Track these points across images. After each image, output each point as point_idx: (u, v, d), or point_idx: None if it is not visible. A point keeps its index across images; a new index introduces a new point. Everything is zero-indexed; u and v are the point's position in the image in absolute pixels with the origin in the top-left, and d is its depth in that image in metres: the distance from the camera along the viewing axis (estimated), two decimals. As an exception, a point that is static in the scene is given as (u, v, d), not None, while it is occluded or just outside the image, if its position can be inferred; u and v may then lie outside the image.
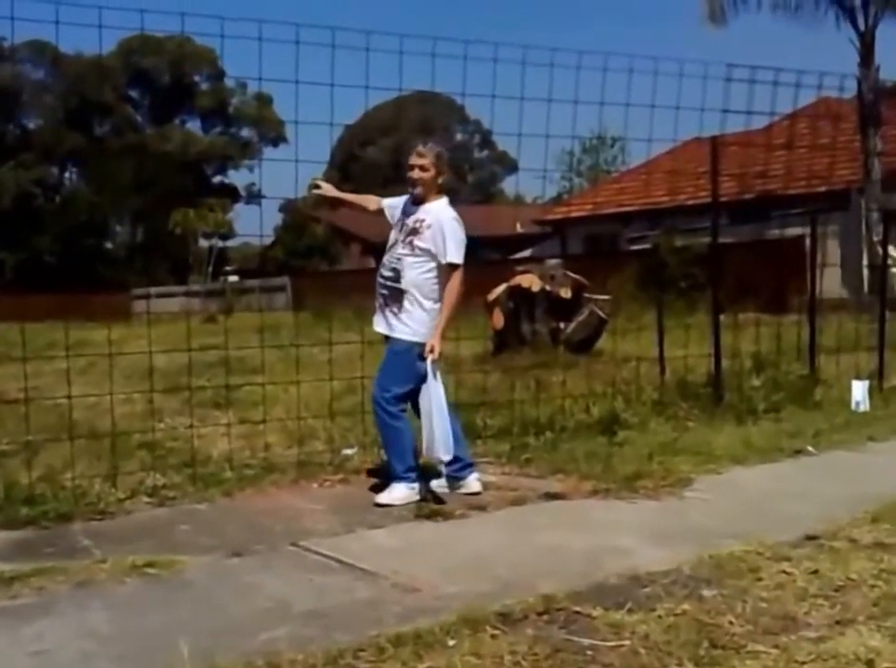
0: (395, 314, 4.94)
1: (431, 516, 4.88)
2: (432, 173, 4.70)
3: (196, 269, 40.31)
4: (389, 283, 4.90)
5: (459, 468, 5.16)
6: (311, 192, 5.16)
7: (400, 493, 5.11)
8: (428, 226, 4.75)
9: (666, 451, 6.06)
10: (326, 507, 5.28)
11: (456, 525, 4.81)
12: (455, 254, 4.70)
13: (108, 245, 47.65)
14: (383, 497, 5.15)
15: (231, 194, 51.14)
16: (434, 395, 4.84)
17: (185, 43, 46.80)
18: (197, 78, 55.02)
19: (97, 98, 49.84)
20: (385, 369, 5.01)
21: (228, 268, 44.06)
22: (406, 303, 4.87)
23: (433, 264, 4.76)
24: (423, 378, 4.72)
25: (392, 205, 5.12)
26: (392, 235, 4.91)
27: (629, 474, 5.50)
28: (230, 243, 46.97)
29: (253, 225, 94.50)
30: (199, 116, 55.20)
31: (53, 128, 47.78)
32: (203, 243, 42.83)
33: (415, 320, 4.88)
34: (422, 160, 4.70)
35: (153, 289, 34.56)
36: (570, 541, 4.41)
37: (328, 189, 5.36)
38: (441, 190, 4.74)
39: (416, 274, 4.79)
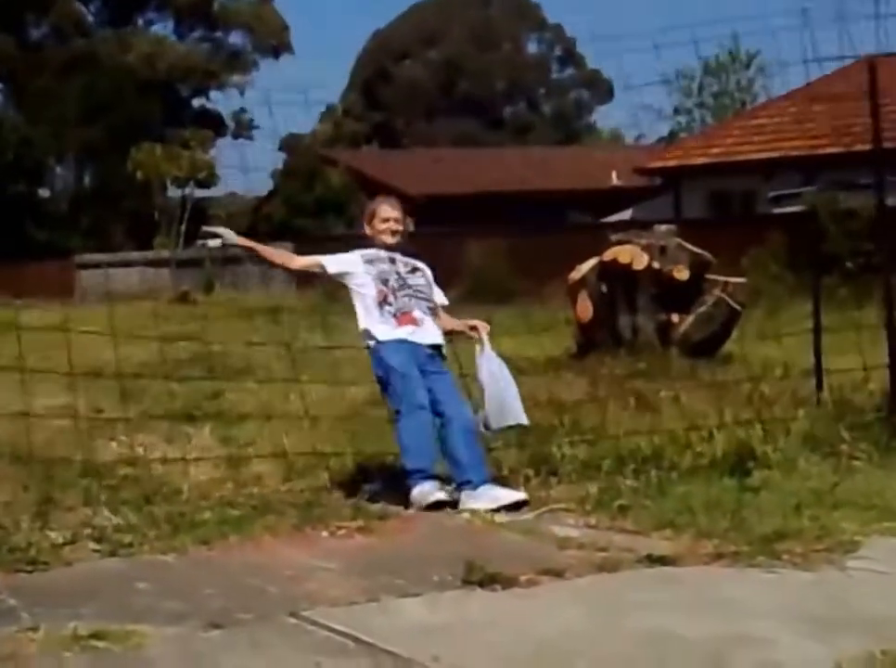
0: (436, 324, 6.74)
1: (486, 583, 4.89)
2: (402, 226, 6.73)
3: (164, 229, 40.69)
4: (423, 295, 6.67)
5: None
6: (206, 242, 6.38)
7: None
8: (423, 269, 6.79)
9: (822, 502, 6.00)
10: (339, 564, 5.31)
11: (521, 597, 4.80)
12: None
13: (45, 193, 48.25)
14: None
15: (213, 124, 51.57)
16: (496, 360, 6.48)
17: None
18: (170, -39, 55.47)
19: (33, -11, 50.41)
20: (455, 388, 6.62)
21: (208, 229, 44.31)
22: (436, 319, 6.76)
23: None
24: None
25: (348, 260, 6.73)
26: (386, 267, 6.64)
27: (768, 533, 5.45)
28: (211, 193, 47.31)
29: (243, 169, 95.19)
30: (173, 16, 55.75)
31: (-31, 30, 48.48)
32: (174, 193, 43.21)
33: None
34: (397, 213, 6.76)
35: (105, 257, 34.95)
36: (682, 625, 4.37)
37: (228, 236, 6.91)
38: None
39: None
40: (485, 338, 6.55)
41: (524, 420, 6.56)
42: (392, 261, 6.62)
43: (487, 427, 6.50)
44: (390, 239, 6.65)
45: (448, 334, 6.76)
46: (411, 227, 6.94)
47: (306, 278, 26.35)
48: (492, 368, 6.50)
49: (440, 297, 6.81)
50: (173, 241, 38.33)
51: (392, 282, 6.58)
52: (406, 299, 6.55)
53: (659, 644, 4.19)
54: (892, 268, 7.91)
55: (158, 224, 41.02)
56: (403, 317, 6.52)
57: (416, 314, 6.53)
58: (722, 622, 4.40)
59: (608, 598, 4.76)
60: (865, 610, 4.54)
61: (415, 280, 6.63)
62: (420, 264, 6.73)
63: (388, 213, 6.70)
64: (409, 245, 6.83)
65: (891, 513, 5.87)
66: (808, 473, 6.66)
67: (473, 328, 6.66)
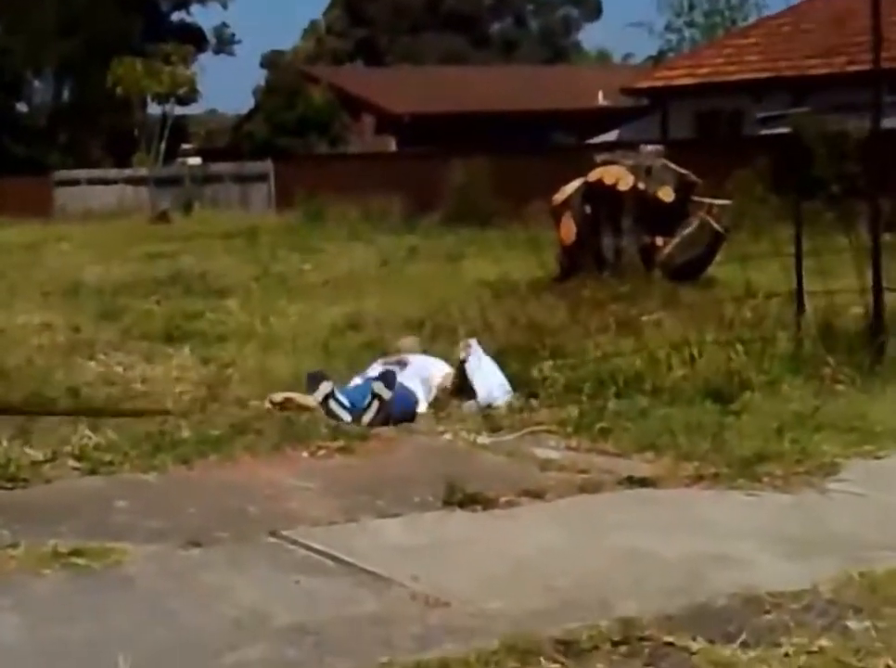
0: None
1: (466, 503, 4.93)
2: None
3: (143, 146, 40.31)
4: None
5: None
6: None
7: None
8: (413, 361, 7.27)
9: (803, 425, 6.04)
10: (319, 484, 5.34)
11: (501, 518, 4.85)
12: None
13: (23, 108, 47.76)
14: None
15: (194, 39, 50.86)
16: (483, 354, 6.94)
17: None
18: None
19: None
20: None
21: (187, 147, 43.94)
22: None
23: None
24: None
25: None
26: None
27: (749, 455, 5.50)
28: (191, 110, 46.80)
29: (225, 86, 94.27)
30: (152, -74, 54.59)
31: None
32: (154, 110, 42.75)
33: None
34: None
35: (83, 173, 34.72)
36: (661, 545, 4.43)
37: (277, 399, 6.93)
38: None
39: None
40: (473, 343, 7.03)
41: (510, 389, 6.93)
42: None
43: (483, 404, 6.74)
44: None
45: (460, 380, 7.03)
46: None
47: (287, 201, 26.31)
48: (482, 357, 6.95)
49: (441, 371, 7.19)
50: (152, 159, 37.97)
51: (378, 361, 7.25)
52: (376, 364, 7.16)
53: (637, 563, 4.25)
54: (879, 191, 7.90)
55: (137, 140, 40.58)
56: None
57: (371, 372, 6.98)
58: (700, 542, 4.46)
59: (588, 519, 4.81)
60: (844, 533, 4.60)
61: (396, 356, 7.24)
62: (411, 358, 7.24)
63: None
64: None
65: (872, 436, 5.92)
66: (790, 396, 6.69)
67: (464, 349, 7.05)
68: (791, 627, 3.60)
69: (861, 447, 5.76)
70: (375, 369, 7.08)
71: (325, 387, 6.52)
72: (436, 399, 7.02)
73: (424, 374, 7.07)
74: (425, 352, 7.49)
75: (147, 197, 31.38)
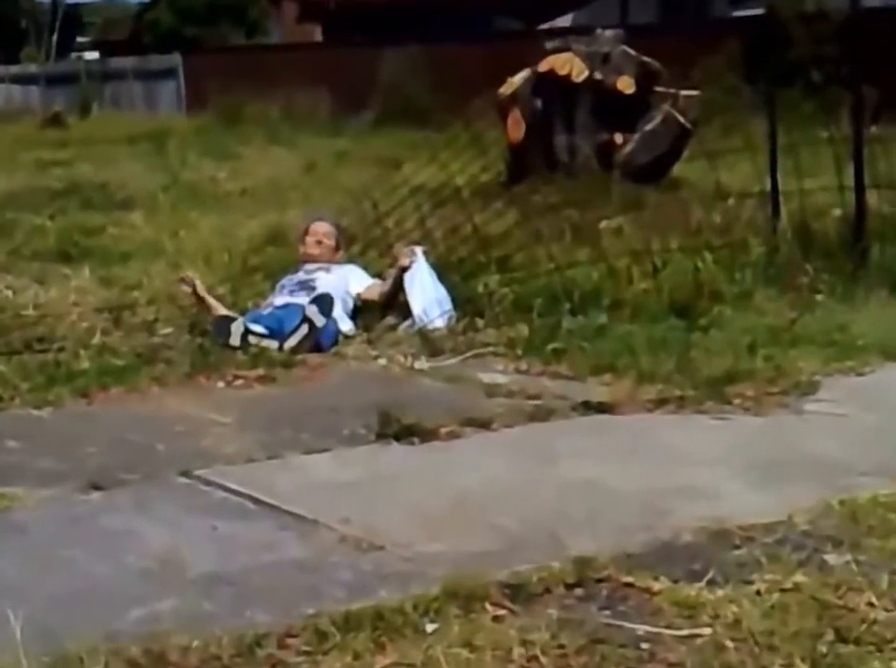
0: None
1: (402, 435, 4.94)
2: (331, 242, 7.47)
3: (33, 40, 39.72)
4: (296, 286, 7.22)
5: None
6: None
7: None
8: (338, 268, 7.32)
9: (778, 340, 6.11)
10: (236, 418, 5.33)
11: (442, 450, 4.86)
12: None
13: None
14: None
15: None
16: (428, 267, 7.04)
17: None
18: None
19: None
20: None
21: (83, 40, 43.40)
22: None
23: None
24: None
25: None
26: (290, 276, 7.28)
27: (717, 375, 5.55)
28: (86, -2, 46.11)
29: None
30: None
31: None
32: (43, -3, 42.07)
33: None
34: (324, 229, 7.51)
35: (-35, 72, 34.18)
36: (620, 477, 4.46)
37: (198, 286, 7.07)
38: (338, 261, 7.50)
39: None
40: (419, 252, 7.08)
41: (450, 308, 6.98)
42: (297, 271, 7.28)
43: (426, 319, 6.76)
44: (312, 250, 7.38)
45: (395, 291, 7.05)
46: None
47: (198, 100, 26.01)
48: (423, 269, 6.97)
49: (361, 281, 7.24)
50: (43, 54, 37.40)
51: (283, 285, 7.20)
52: (280, 293, 7.11)
53: (593, 497, 4.28)
54: (863, 78, 7.91)
55: (25, 33, 39.96)
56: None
57: (276, 301, 6.99)
58: (663, 472, 4.49)
59: (539, 450, 4.83)
60: (822, 457, 4.66)
61: (303, 277, 7.15)
62: (335, 267, 7.31)
63: (315, 229, 7.52)
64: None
65: (854, 350, 6.00)
66: (763, 309, 6.75)
67: (408, 255, 7.08)
68: (763, 563, 3.64)
69: (842, 363, 5.83)
70: (287, 288, 7.04)
71: (236, 327, 6.46)
72: (362, 316, 6.99)
73: (343, 287, 7.03)
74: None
75: (37, 97, 30.91)
